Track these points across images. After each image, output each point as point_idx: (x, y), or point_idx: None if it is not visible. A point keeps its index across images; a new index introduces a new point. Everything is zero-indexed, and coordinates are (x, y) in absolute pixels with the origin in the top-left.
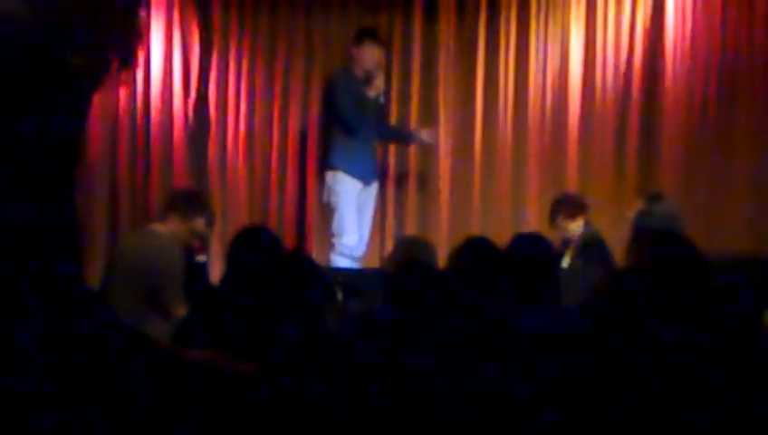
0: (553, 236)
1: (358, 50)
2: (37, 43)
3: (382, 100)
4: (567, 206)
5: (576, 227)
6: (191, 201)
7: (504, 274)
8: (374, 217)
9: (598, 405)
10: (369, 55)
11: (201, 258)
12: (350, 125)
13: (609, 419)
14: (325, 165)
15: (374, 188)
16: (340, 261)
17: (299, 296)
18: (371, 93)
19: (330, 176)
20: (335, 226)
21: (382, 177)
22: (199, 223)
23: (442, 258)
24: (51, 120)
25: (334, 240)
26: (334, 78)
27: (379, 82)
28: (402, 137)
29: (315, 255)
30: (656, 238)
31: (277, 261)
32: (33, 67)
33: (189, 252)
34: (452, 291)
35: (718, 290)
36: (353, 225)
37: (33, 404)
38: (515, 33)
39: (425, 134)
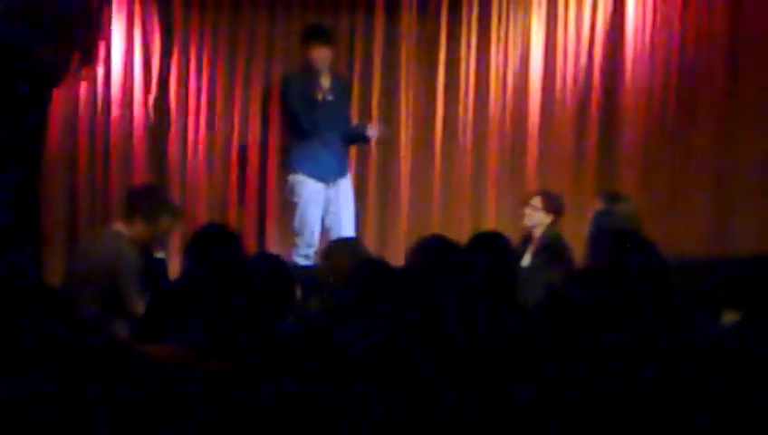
0: (513, 235)
1: (305, 50)
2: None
3: (331, 98)
4: (550, 199)
5: (541, 220)
6: (154, 202)
7: (460, 272)
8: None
9: (550, 405)
10: (316, 56)
11: (160, 254)
12: (302, 127)
13: (561, 418)
14: (285, 167)
15: (345, 184)
16: (299, 260)
17: (259, 294)
18: (320, 94)
19: (290, 178)
20: (295, 225)
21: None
22: (164, 222)
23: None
24: (15, 115)
25: (295, 239)
26: (283, 81)
27: (325, 81)
28: (358, 137)
29: (275, 252)
30: (615, 238)
31: (236, 259)
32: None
33: (148, 248)
34: (409, 289)
35: (676, 290)
36: (313, 224)
37: None
38: (476, 33)
39: (371, 131)
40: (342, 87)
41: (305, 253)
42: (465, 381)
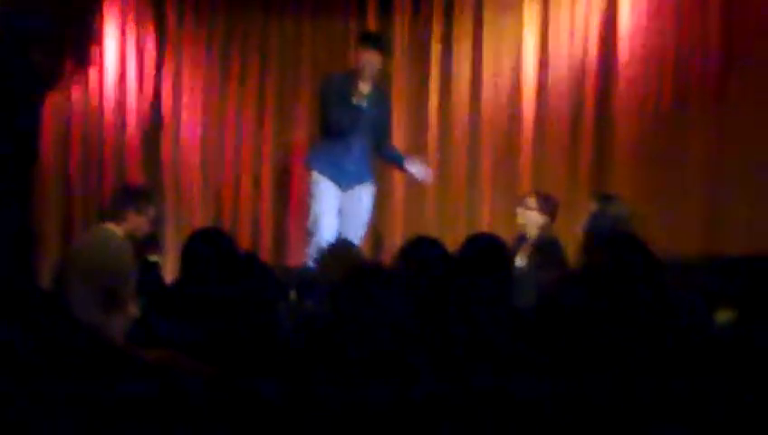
0: (507, 236)
1: (357, 53)
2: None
3: (365, 105)
4: (544, 199)
5: (535, 220)
6: (140, 193)
7: (451, 274)
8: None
9: (546, 408)
10: (365, 58)
11: (154, 258)
12: (327, 126)
13: (557, 421)
14: (305, 164)
15: (362, 192)
16: (311, 262)
17: (250, 297)
18: (354, 97)
19: (309, 175)
20: (309, 224)
21: None
22: (152, 212)
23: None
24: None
25: (309, 239)
26: (325, 79)
27: (364, 87)
28: (395, 162)
29: (267, 255)
30: (609, 240)
31: (230, 262)
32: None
33: (142, 251)
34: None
35: (671, 291)
36: (326, 226)
37: None
38: (470, 33)
39: (410, 166)
40: (379, 98)
41: (316, 256)
42: (462, 382)
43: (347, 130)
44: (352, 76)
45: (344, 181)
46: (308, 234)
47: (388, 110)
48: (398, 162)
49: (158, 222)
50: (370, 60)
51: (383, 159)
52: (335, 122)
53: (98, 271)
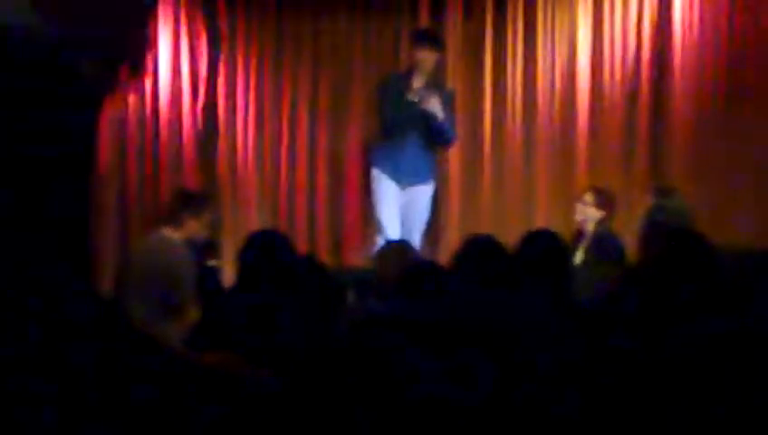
0: (565, 233)
1: (411, 52)
2: (56, 56)
3: (417, 99)
4: (601, 194)
5: (592, 216)
6: (197, 198)
7: (510, 271)
8: (430, 224)
9: (611, 400)
10: (419, 57)
11: (212, 263)
12: (383, 125)
13: (620, 414)
14: (369, 161)
15: (421, 191)
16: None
17: (308, 300)
18: (409, 94)
19: (371, 173)
20: (374, 223)
21: None
22: (209, 216)
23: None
24: (66, 129)
25: (376, 236)
26: (381, 78)
27: (417, 82)
28: (431, 129)
29: (324, 255)
30: (668, 234)
31: (287, 265)
32: (48, 77)
33: (200, 256)
34: (460, 290)
35: (731, 284)
36: (388, 223)
37: (42, 410)
38: (522, 32)
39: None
40: (435, 95)
41: None
42: (521, 381)
43: (403, 128)
44: (408, 74)
45: (403, 179)
46: (376, 231)
47: (447, 96)
48: (431, 127)
49: (215, 227)
50: (426, 57)
51: (434, 142)
52: (391, 120)
53: (156, 277)
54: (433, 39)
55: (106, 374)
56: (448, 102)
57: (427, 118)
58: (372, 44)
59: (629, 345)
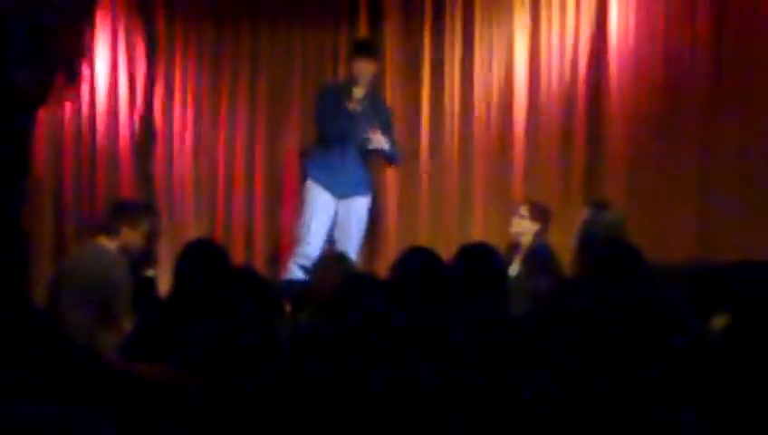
0: (500, 246)
1: (350, 63)
2: None
3: (360, 110)
4: (537, 207)
5: (528, 228)
6: (133, 208)
7: (446, 284)
8: (368, 236)
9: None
10: (357, 68)
11: (150, 273)
12: (323, 135)
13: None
14: (302, 172)
15: (358, 203)
16: (296, 270)
17: (245, 311)
18: (349, 104)
19: (305, 183)
20: (297, 233)
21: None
22: (145, 226)
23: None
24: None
25: (296, 247)
26: (320, 88)
27: (358, 92)
28: (369, 151)
29: (262, 266)
30: (602, 246)
31: (223, 275)
32: None
33: (136, 266)
34: (396, 301)
35: (664, 298)
36: (314, 237)
37: None
38: (460, 45)
39: (371, 141)
40: (375, 105)
41: (302, 263)
42: (461, 389)
43: (343, 139)
44: (347, 85)
45: (338, 190)
46: (296, 242)
47: (386, 114)
48: (374, 151)
49: (152, 237)
50: (364, 68)
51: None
52: (330, 131)
53: (91, 286)
54: (371, 50)
55: (36, 384)
56: (388, 123)
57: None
58: (311, 54)
59: (564, 355)
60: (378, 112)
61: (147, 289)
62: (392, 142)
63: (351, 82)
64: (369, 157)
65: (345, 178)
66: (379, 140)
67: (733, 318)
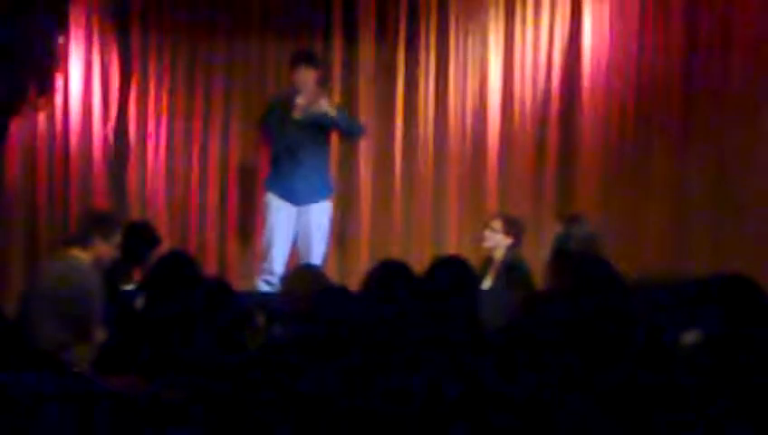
0: (474, 258)
1: (290, 73)
2: None
3: (303, 116)
4: (510, 221)
5: (501, 242)
6: (106, 220)
7: (419, 297)
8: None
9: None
10: (297, 77)
11: (129, 287)
12: (275, 146)
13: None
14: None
15: (318, 209)
16: (262, 285)
17: (217, 323)
18: (294, 113)
19: (265, 197)
20: (262, 247)
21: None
22: (118, 238)
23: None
24: None
25: (260, 263)
26: (268, 101)
27: (302, 100)
28: (324, 124)
29: (235, 279)
30: (575, 260)
31: (195, 288)
32: None
33: (110, 278)
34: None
35: (636, 311)
36: (276, 250)
37: None
38: (435, 59)
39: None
40: (321, 110)
41: (266, 279)
42: (434, 406)
43: (293, 149)
44: (289, 95)
45: (295, 198)
46: (261, 257)
47: (334, 113)
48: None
49: (137, 251)
50: (304, 76)
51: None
52: (277, 141)
53: (63, 298)
54: (308, 58)
55: (9, 396)
56: (335, 109)
57: (322, 126)
58: (285, 68)
59: (537, 369)
60: (325, 116)
61: (119, 301)
62: (346, 117)
63: (295, 91)
64: (326, 159)
65: (302, 186)
66: (319, 104)
67: (705, 331)
